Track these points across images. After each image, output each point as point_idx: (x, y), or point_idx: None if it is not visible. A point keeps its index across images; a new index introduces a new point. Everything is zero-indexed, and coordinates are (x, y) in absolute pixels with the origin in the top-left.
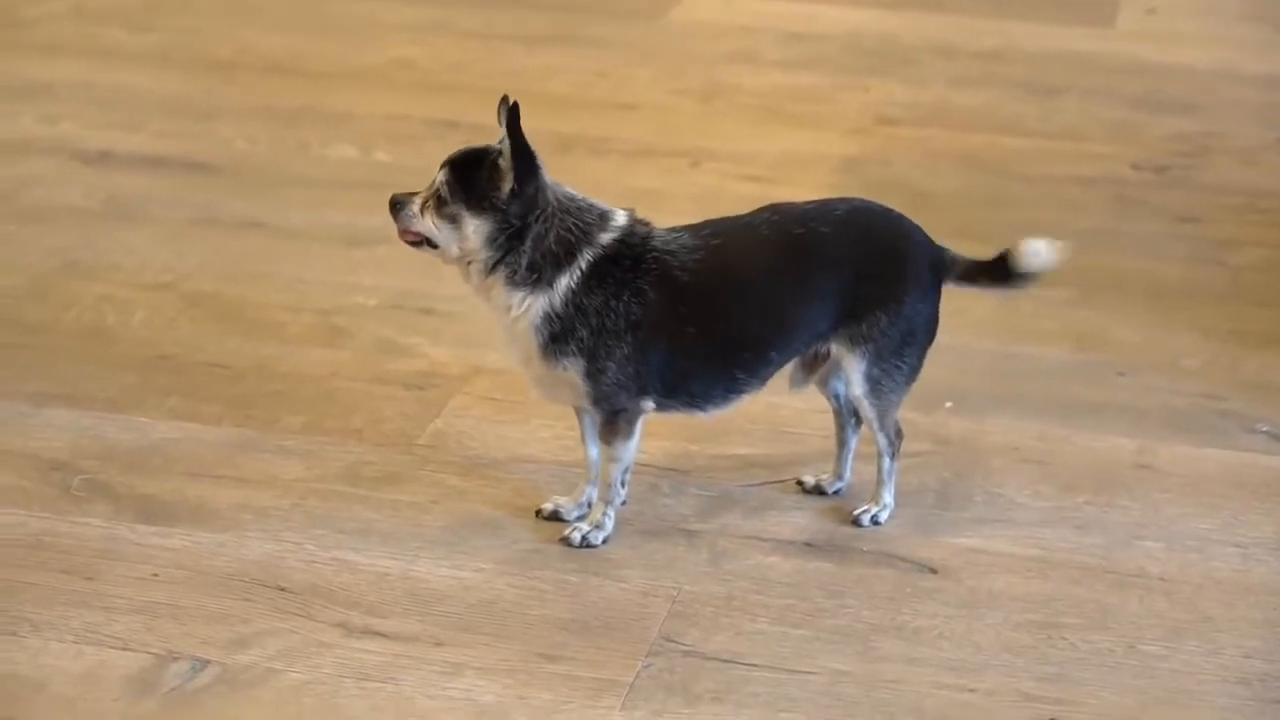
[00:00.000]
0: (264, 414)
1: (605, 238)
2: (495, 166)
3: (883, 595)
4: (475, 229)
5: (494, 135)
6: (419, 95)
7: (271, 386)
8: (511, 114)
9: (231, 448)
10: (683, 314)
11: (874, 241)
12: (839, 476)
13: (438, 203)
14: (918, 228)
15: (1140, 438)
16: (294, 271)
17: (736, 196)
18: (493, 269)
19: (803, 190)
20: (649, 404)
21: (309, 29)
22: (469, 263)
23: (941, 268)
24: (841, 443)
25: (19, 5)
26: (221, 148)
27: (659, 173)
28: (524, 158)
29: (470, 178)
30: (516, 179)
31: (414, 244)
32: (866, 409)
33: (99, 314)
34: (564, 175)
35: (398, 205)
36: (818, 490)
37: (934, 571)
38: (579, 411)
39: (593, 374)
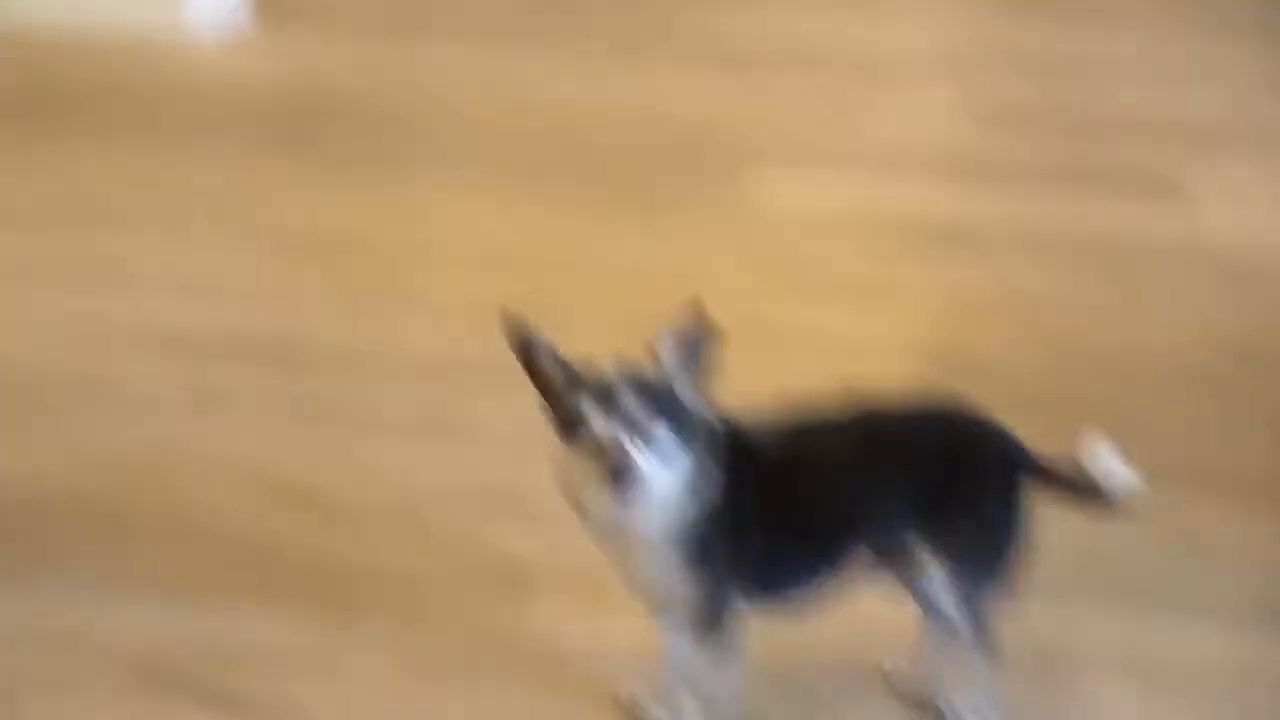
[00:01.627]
0: (349, 608)
1: (712, 428)
2: (692, 406)
3: None
4: (691, 460)
5: (563, 311)
6: (500, 275)
7: (356, 580)
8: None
9: (316, 642)
10: (765, 507)
11: (958, 446)
12: (930, 677)
13: (649, 441)
14: (1004, 430)
15: (1235, 635)
16: (377, 461)
17: (814, 379)
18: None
19: (882, 374)
20: (742, 604)
21: (383, 207)
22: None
23: (1029, 471)
24: (929, 642)
25: (109, 193)
26: (301, 331)
27: (732, 353)
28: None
29: (681, 418)
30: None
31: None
32: (956, 621)
33: (183, 503)
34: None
35: (623, 471)
36: (908, 690)
37: None
38: (666, 611)
39: (695, 574)
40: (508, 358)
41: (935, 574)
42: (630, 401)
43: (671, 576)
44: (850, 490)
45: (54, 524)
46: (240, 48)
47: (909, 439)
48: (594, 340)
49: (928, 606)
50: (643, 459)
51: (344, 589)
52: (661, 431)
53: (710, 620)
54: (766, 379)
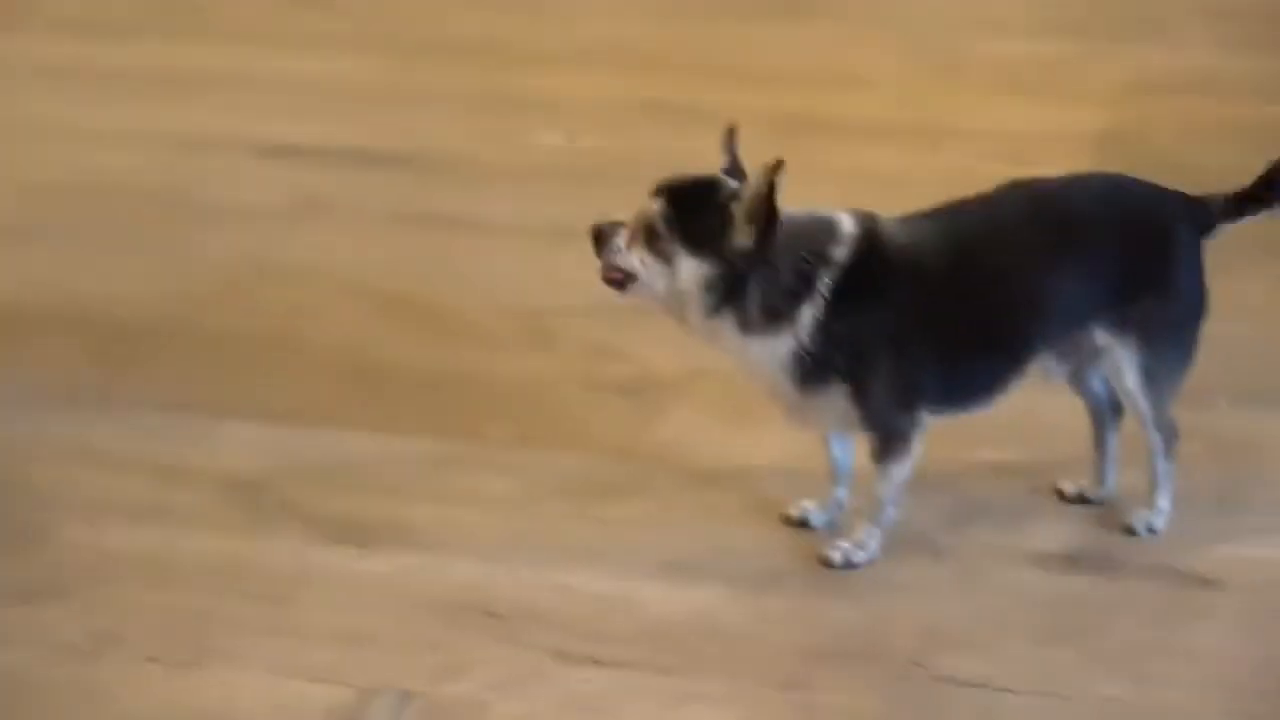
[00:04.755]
0: (467, 425)
1: (840, 252)
2: (727, 211)
3: (1156, 612)
4: (691, 271)
5: (705, 115)
6: (629, 76)
7: (474, 395)
8: (773, 174)
9: (432, 462)
10: (936, 313)
11: (1135, 215)
12: (1102, 482)
13: (649, 235)
14: (1178, 194)
15: None
16: (497, 270)
17: (982, 178)
18: (715, 313)
19: (1055, 169)
20: (923, 416)
21: (509, 8)
22: (681, 305)
23: (1207, 227)
24: (1101, 445)
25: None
26: (417, 138)
27: (897, 153)
28: (770, 218)
29: (692, 214)
30: (758, 237)
31: (614, 283)
32: (1140, 403)
33: (286, 320)
34: (791, 159)
35: (602, 236)
36: (1080, 499)
37: (1213, 585)
38: (816, 424)
39: (859, 397)
40: (637, 162)
41: (1120, 356)
42: (662, 201)
43: (802, 396)
44: (1034, 293)
45: (149, 346)
46: None
47: (1085, 225)
48: (744, 146)
49: (1098, 395)
50: (636, 261)
51: (460, 404)
52: (666, 232)
53: (886, 433)
54: (933, 178)
